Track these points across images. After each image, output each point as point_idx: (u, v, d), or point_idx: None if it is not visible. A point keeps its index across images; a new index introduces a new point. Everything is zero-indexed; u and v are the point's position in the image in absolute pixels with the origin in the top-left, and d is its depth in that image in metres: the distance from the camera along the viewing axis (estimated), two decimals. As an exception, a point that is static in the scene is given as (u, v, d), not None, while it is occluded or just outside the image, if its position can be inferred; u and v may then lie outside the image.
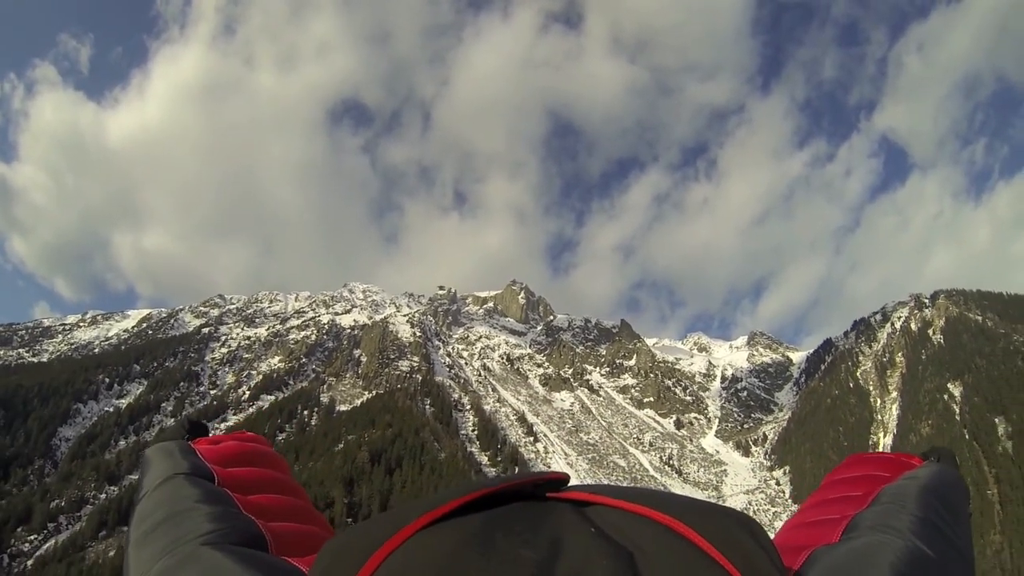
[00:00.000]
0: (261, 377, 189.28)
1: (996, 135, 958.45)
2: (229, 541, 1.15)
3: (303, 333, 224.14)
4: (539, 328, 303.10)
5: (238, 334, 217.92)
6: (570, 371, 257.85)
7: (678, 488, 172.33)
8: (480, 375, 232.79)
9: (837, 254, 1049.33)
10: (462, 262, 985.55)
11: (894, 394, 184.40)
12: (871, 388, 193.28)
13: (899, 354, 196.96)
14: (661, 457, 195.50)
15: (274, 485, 1.56)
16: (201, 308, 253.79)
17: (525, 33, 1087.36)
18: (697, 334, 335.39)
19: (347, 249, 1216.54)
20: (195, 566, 1.07)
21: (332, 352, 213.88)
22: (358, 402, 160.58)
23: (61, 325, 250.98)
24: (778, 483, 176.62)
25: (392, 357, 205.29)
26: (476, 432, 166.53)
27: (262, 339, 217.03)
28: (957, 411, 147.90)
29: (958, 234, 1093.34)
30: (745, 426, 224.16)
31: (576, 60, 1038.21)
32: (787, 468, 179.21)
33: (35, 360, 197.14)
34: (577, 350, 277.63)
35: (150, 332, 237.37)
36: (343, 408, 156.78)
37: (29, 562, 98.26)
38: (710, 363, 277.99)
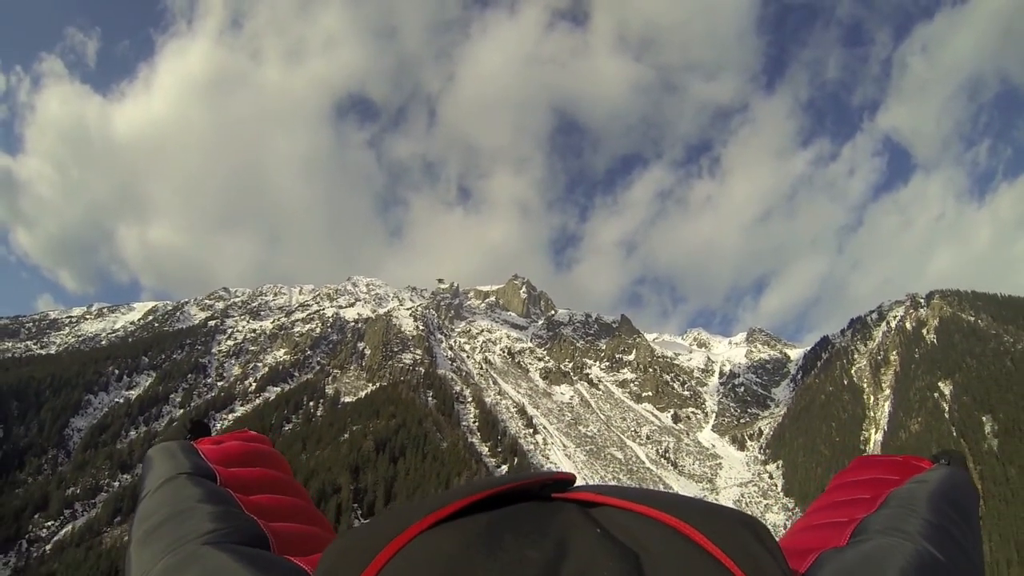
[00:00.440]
0: (267, 369, 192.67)
1: (1000, 137, 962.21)
2: (231, 541, 1.17)
3: (308, 326, 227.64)
4: (540, 322, 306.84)
5: (244, 327, 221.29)
6: (570, 365, 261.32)
7: (673, 479, 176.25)
8: (481, 368, 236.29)
9: (839, 253, 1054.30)
10: (465, 256, 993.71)
11: (887, 391, 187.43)
12: (865, 385, 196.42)
13: (893, 352, 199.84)
14: (657, 450, 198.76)
15: (276, 485, 1.57)
16: (206, 301, 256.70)
17: (531, 30, 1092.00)
18: (697, 330, 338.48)
19: (351, 242, 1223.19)
20: (197, 565, 1.09)
21: (336, 345, 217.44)
22: (362, 394, 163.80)
23: (67, 317, 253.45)
24: (771, 476, 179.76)
25: (395, 350, 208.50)
26: (477, 424, 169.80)
27: (267, 332, 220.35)
28: (946, 409, 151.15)
29: (960, 235, 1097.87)
30: (741, 421, 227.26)
31: (582, 57, 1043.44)
32: (780, 462, 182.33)
33: (43, 352, 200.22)
34: (577, 344, 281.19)
35: (156, 325, 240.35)
36: (348, 399, 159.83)
37: (47, 547, 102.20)
38: (709, 359, 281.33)
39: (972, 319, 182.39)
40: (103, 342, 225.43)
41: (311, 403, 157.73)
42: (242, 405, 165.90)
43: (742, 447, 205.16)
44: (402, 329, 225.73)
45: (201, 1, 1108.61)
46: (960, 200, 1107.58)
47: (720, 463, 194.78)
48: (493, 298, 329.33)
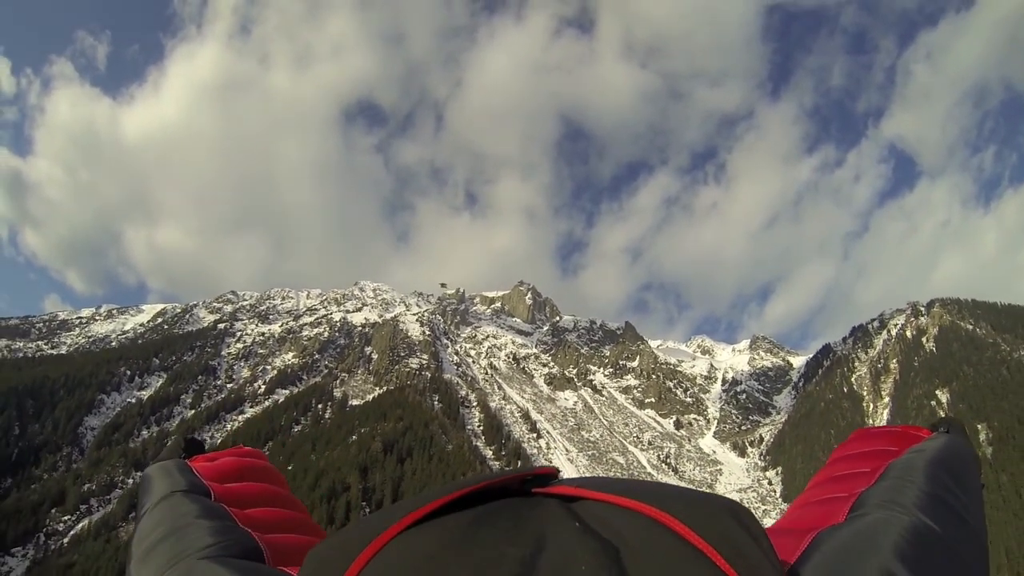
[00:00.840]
0: (276, 372, 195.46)
1: (1005, 143, 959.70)
2: (227, 554, 1.19)
3: (316, 330, 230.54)
4: (545, 328, 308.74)
5: (253, 330, 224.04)
6: (574, 371, 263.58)
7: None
8: (487, 373, 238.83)
9: (845, 259, 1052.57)
10: (471, 262, 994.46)
11: (886, 399, 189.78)
12: (865, 393, 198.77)
13: (893, 360, 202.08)
14: (659, 456, 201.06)
15: (271, 499, 1.61)
16: (215, 304, 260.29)
17: (538, 37, 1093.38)
18: (701, 337, 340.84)
19: (358, 247, 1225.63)
20: None
21: (344, 349, 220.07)
22: (370, 397, 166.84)
23: (77, 318, 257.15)
24: (770, 483, 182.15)
25: (402, 355, 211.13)
26: (482, 427, 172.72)
27: (276, 335, 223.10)
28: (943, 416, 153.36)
29: (966, 241, 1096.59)
30: (743, 428, 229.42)
31: (588, 64, 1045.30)
32: (779, 468, 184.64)
33: (53, 352, 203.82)
34: (582, 351, 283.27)
35: (165, 327, 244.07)
36: (355, 403, 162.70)
37: (65, 540, 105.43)
38: (712, 366, 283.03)
39: (971, 328, 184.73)
40: (113, 343, 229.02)
41: (319, 406, 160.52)
42: (251, 407, 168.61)
43: (743, 454, 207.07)
44: (409, 334, 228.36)
45: (211, 6, 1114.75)
46: (966, 206, 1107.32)
47: (720, 469, 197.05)
48: (499, 304, 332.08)
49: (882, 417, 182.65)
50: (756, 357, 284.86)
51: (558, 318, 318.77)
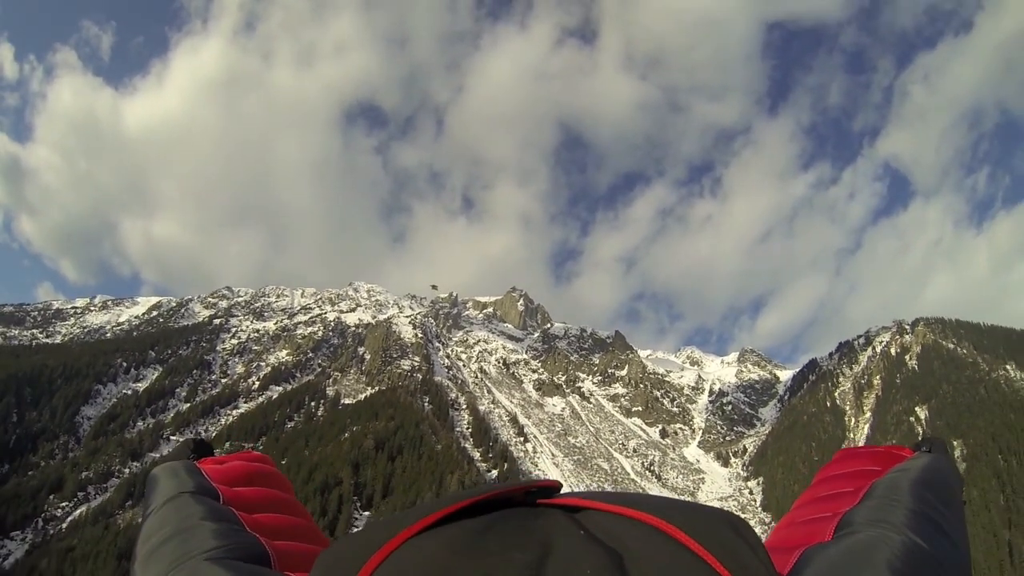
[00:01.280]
0: (270, 369, 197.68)
1: (999, 165, 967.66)
2: (234, 557, 1.20)
3: (310, 329, 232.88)
4: (536, 335, 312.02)
5: (247, 327, 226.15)
6: (563, 378, 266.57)
7: (655, 491, 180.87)
8: (477, 377, 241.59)
9: (837, 275, 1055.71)
10: (466, 266, 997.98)
11: (868, 415, 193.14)
12: (847, 408, 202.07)
13: (877, 377, 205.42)
14: (643, 463, 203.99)
15: (278, 505, 1.62)
16: (210, 299, 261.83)
17: (541, 45, 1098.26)
18: (691, 348, 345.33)
19: (354, 246, 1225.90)
20: None
21: (337, 348, 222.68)
22: (362, 396, 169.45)
23: (72, 308, 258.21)
24: (751, 492, 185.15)
25: (394, 356, 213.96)
26: (470, 430, 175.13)
27: (270, 332, 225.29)
28: (920, 433, 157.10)
29: (958, 261, 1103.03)
30: (727, 438, 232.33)
31: (589, 74, 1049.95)
32: (761, 479, 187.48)
33: (48, 341, 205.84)
34: (571, 358, 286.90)
35: (160, 320, 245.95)
36: (348, 401, 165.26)
37: (63, 525, 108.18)
38: (700, 377, 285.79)
39: (953, 347, 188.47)
40: (108, 334, 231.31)
41: (312, 403, 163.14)
42: (245, 402, 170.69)
43: (726, 463, 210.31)
44: (401, 336, 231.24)
45: (217, 1, 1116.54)
46: (958, 226, 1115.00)
47: (703, 478, 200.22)
48: (491, 309, 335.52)
49: (863, 432, 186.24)
50: (744, 370, 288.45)
51: (549, 325, 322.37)
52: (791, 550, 1.13)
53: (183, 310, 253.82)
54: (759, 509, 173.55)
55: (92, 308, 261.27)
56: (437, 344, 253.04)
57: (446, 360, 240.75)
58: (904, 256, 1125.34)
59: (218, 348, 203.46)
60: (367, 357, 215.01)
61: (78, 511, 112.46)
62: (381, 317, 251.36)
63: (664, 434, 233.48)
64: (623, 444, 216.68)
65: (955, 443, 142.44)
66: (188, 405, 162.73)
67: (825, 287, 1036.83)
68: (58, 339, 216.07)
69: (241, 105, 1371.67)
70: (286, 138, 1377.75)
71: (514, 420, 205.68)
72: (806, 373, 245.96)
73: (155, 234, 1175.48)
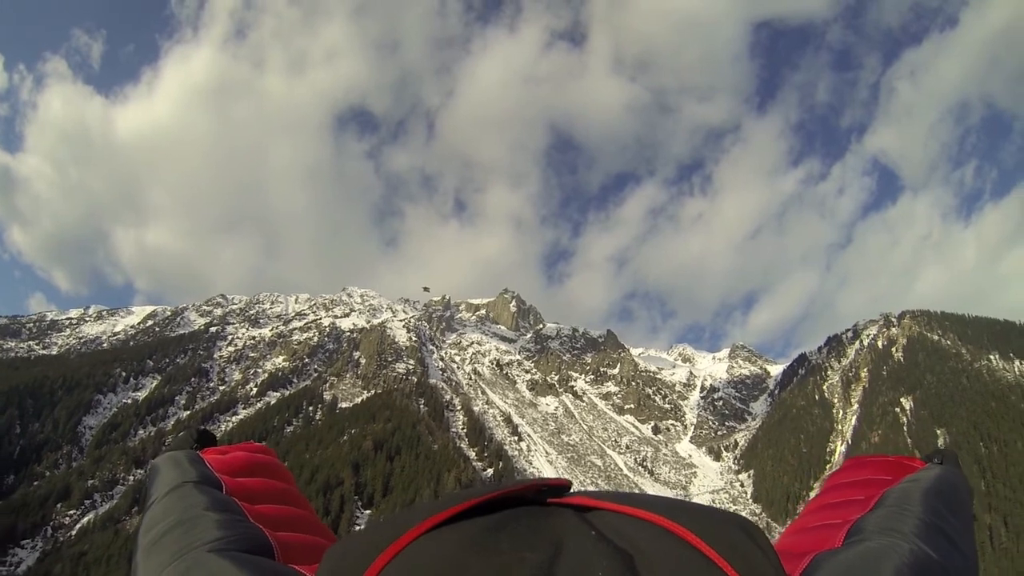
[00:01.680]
0: (267, 375, 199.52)
1: (986, 158, 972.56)
2: (237, 548, 1.20)
3: (305, 335, 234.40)
4: (528, 336, 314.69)
5: (243, 334, 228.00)
6: (556, 377, 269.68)
7: (648, 486, 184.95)
8: (471, 379, 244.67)
9: (828, 270, 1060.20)
10: (458, 269, 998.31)
11: (855, 406, 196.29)
12: (835, 400, 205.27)
13: (864, 369, 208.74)
14: (636, 459, 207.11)
15: (281, 496, 1.63)
16: (205, 307, 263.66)
17: (530, 48, 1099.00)
18: (683, 345, 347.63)
19: (346, 251, 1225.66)
20: (202, 572, 1.12)
21: (333, 353, 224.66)
22: (358, 400, 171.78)
23: (67, 319, 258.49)
24: (742, 484, 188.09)
25: (389, 360, 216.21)
26: (465, 430, 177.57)
27: (266, 339, 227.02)
28: (905, 423, 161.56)
29: (947, 254, 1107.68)
30: (719, 433, 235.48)
31: (579, 77, 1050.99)
32: (751, 471, 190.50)
33: (44, 352, 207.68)
34: (564, 358, 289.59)
35: (156, 329, 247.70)
36: (345, 405, 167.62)
37: (72, 532, 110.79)
38: (691, 373, 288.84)
39: (937, 338, 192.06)
40: (104, 344, 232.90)
41: (310, 408, 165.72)
42: (244, 408, 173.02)
43: (718, 457, 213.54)
44: (396, 340, 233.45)
45: (207, 9, 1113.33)
46: (947, 220, 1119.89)
47: (695, 472, 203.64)
48: (484, 311, 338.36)
49: (850, 423, 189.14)
50: (735, 365, 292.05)
51: (541, 326, 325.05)
52: (801, 555, 1.15)
53: (178, 319, 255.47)
54: (750, 501, 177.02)
55: (87, 318, 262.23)
56: (431, 347, 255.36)
57: (440, 363, 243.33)
58: (894, 250, 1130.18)
59: (215, 356, 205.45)
60: (362, 361, 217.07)
61: (86, 518, 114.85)
62: (375, 321, 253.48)
63: (656, 430, 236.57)
64: (616, 441, 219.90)
65: (938, 432, 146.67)
66: (188, 412, 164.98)
67: (816, 282, 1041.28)
68: (55, 350, 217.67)
69: (232, 112, 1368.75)
70: (278, 144, 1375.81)
71: (508, 420, 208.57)
72: (796, 367, 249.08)
73: (147, 242, 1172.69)
